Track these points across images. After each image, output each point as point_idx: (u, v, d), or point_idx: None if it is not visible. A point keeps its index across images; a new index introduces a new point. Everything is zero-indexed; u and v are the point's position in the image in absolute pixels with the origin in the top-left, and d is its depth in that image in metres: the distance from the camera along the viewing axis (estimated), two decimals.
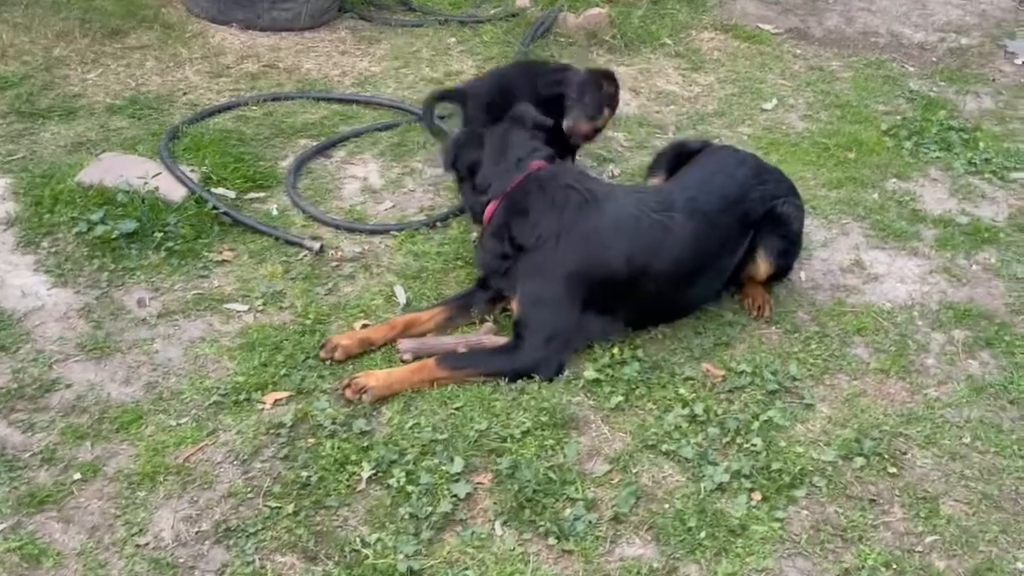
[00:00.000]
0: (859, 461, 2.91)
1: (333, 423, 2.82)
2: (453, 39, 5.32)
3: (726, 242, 3.39)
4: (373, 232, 3.70)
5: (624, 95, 4.91)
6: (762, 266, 3.46)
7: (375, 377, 2.94)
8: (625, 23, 5.48)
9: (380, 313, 3.29)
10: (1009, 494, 2.87)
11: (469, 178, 3.41)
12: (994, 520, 2.78)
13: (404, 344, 3.13)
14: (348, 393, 2.89)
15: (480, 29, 5.42)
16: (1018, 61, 5.87)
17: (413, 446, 2.77)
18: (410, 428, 2.84)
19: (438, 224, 3.77)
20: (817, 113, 4.95)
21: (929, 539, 2.71)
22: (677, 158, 3.74)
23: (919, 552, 2.66)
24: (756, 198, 3.44)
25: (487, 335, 3.23)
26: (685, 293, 3.36)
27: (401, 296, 3.38)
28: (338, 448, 2.74)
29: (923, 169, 4.53)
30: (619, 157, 4.41)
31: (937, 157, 4.62)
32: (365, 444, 2.77)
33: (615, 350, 3.19)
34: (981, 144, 4.73)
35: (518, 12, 5.57)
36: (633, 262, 3.18)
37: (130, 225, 3.42)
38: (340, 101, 4.56)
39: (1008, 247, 4.01)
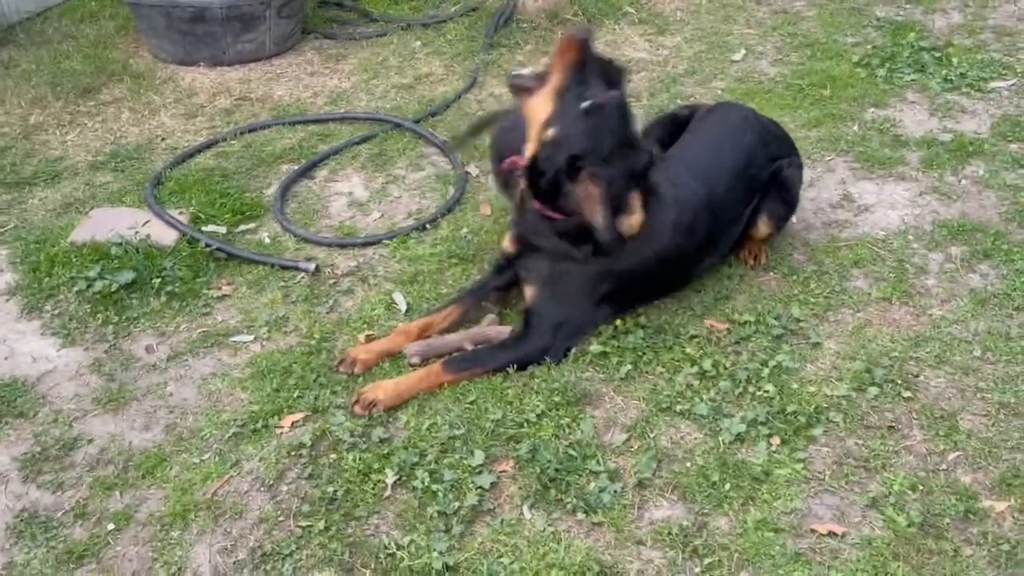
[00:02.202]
0: (873, 391, 2.93)
1: (352, 436, 2.86)
2: (418, 43, 5.35)
3: (736, 211, 3.37)
4: (365, 244, 3.73)
5: None
6: (763, 229, 3.44)
7: (383, 389, 2.98)
8: None
9: (383, 322, 3.33)
10: None
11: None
12: (1014, 427, 2.79)
13: (411, 348, 3.17)
14: (357, 409, 2.94)
15: (443, 29, 5.46)
16: None
17: (433, 446, 2.81)
18: (427, 429, 2.87)
19: (427, 226, 3.80)
20: (787, 56, 4.96)
21: (952, 456, 2.73)
22: (668, 131, 3.61)
23: (943, 470, 2.68)
24: (761, 163, 3.40)
25: (491, 327, 3.26)
26: (698, 267, 3.35)
27: (401, 302, 3.42)
28: (360, 459, 2.78)
29: (900, 94, 4.53)
30: None
31: (912, 80, 4.62)
32: (386, 451, 2.81)
33: (618, 321, 3.22)
34: (954, 60, 4.73)
35: (478, 6, 5.60)
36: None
37: (128, 276, 3.47)
38: (315, 122, 4.60)
39: (994, 157, 4.01)
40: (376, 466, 2.76)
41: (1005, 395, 2.89)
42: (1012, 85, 4.56)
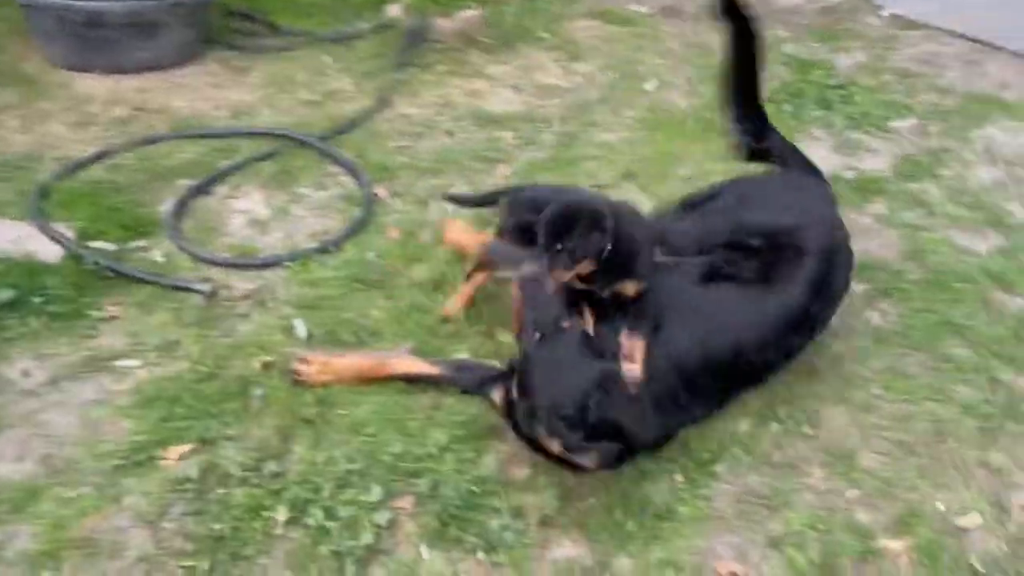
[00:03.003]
0: (775, 427, 2.93)
1: (242, 470, 2.72)
2: (328, 58, 5.23)
3: None
4: (264, 266, 3.59)
5: (506, 94, 4.95)
6: None
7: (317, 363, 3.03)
8: (499, 21, 5.47)
9: (280, 348, 3.19)
10: (923, 438, 2.92)
11: None
12: (911, 466, 2.83)
13: None
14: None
15: (354, 45, 5.34)
16: (884, 13, 6.04)
17: (328, 481, 2.69)
18: (323, 463, 2.75)
19: (331, 249, 3.68)
20: (698, 88, 5.00)
21: (851, 494, 2.74)
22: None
23: (843, 509, 2.69)
24: None
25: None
26: None
27: (301, 329, 3.28)
28: (250, 495, 2.64)
29: (805, 130, 4.60)
30: (508, 156, 4.38)
31: (818, 117, 4.71)
32: (278, 487, 2.67)
33: None
34: (858, 99, 4.85)
35: (390, 23, 5.51)
36: None
37: (6, 294, 3.25)
38: (216, 136, 4.43)
39: (896, 196, 4.11)
40: (267, 502, 2.63)
41: (903, 434, 2.93)
42: (912, 125, 4.69)
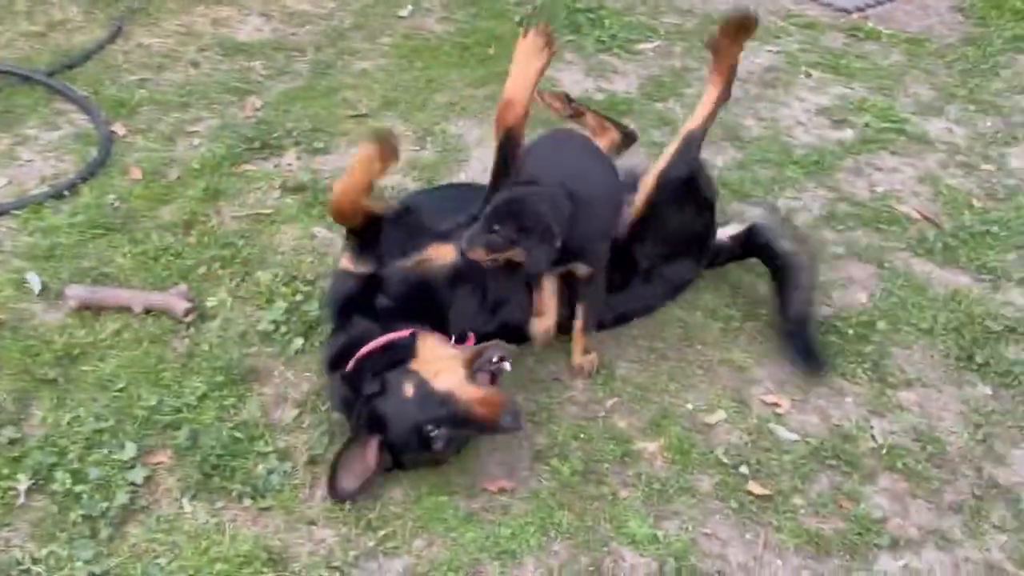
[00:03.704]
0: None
1: None
2: None
3: None
4: None
5: (255, 21, 4.71)
6: None
7: None
8: None
9: (11, 306, 2.93)
10: (673, 344, 3.09)
11: None
12: (663, 371, 2.99)
13: (71, 290, 2.93)
14: None
15: None
16: None
17: (75, 443, 2.53)
18: (68, 423, 2.58)
19: (66, 193, 3.40)
20: (453, 14, 4.95)
21: (609, 402, 2.87)
22: None
23: (602, 417, 2.82)
24: None
25: (176, 296, 2.97)
26: None
27: (35, 282, 3.02)
28: None
29: (558, 54, 4.66)
30: (260, 87, 4.18)
31: (570, 40, 4.79)
32: (17, 454, 2.49)
33: (297, 296, 3.07)
34: (607, 22, 4.96)
35: None
36: None
37: None
38: None
39: (642, 115, 4.26)
40: (6, 472, 2.45)
41: (655, 341, 3.09)
42: (656, 47, 4.87)
